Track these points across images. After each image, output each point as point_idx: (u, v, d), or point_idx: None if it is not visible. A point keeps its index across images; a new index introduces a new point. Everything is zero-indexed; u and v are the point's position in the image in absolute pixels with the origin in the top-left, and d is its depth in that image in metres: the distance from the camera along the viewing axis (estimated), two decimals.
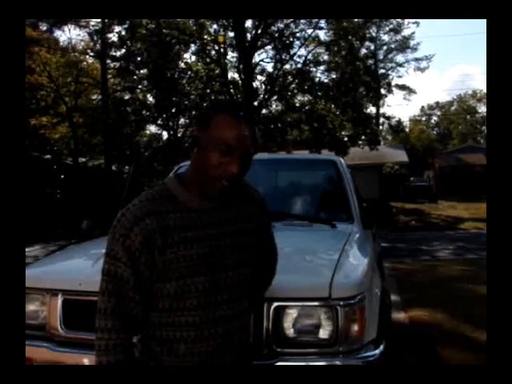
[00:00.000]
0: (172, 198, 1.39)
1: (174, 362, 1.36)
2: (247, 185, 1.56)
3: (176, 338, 1.36)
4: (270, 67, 20.70)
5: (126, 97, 20.50)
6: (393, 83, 32.94)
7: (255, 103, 17.87)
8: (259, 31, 17.72)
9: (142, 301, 1.35)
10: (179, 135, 23.77)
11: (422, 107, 62.27)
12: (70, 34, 63.70)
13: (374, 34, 32.49)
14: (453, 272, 7.58)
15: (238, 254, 1.43)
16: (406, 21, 33.12)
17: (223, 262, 1.40)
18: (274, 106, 20.76)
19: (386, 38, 36.69)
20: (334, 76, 20.02)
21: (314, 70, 19.78)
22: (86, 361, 1.93)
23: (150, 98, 20.58)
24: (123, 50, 18.54)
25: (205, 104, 17.81)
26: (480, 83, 68.28)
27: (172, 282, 1.33)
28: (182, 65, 19.56)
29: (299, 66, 19.07)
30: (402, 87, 39.68)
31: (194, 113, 19.72)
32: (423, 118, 62.44)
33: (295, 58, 19.26)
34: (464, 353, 3.86)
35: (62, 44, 23.32)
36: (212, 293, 1.37)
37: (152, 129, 27.51)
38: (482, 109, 54.89)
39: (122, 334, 1.33)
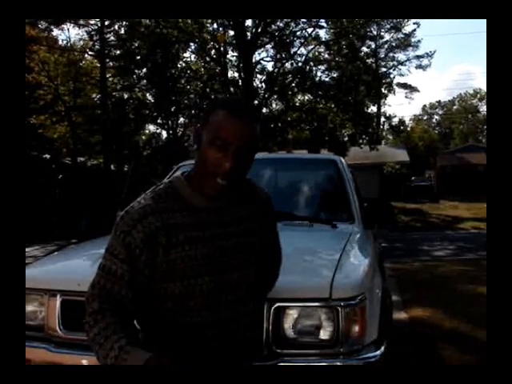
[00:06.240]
0: (178, 196, 1.37)
1: (178, 362, 1.33)
2: (252, 183, 1.54)
3: (180, 339, 1.34)
4: (270, 66, 20.70)
5: (126, 96, 20.49)
6: (394, 82, 32.81)
7: (255, 102, 17.85)
8: (259, 30, 17.70)
9: (136, 299, 1.32)
10: (178, 134, 23.79)
11: (424, 106, 62.32)
12: (69, 33, 63.75)
13: (374, 33, 32.43)
14: (453, 272, 7.57)
15: (242, 255, 1.41)
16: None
17: (228, 263, 1.38)
18: (274, 105, 20.79)
19: (386, 36, 36.64)
20: (334, 75, 20.00)
21: (315, 69, 19.77)
22: (84, 362, 1.92)
23: (150, 97, 20.58)
24: (122, 49, 18.52)
25: (205, 103, 17.82)
26: (481, 82, 68.32)
27: (176, 283, 1.31)
28: (182, 63, 19.55)
29: (299, 64, 19.05)
30: (404, 85, 39.62)
31: (193, 112, 19.72)
32: (424, 117, 62.44)
33: (295, 56, 19.26)
34: (464, 352, 3.85)
35: (60, 43, 23.36)
36: (217, 293, 1.35)
37: (151, 128, 27.59)
38: (484, 108, 54.89)
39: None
